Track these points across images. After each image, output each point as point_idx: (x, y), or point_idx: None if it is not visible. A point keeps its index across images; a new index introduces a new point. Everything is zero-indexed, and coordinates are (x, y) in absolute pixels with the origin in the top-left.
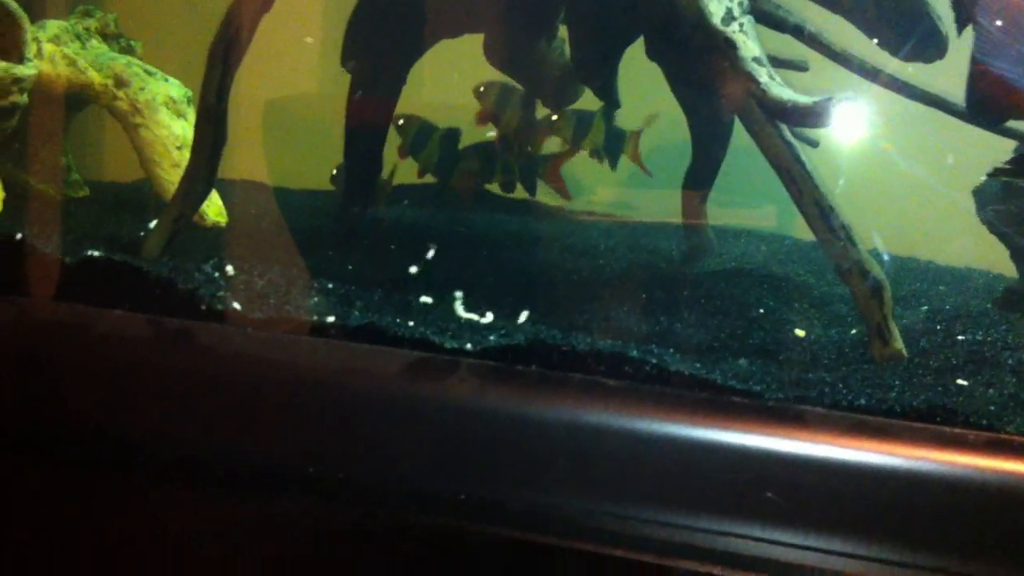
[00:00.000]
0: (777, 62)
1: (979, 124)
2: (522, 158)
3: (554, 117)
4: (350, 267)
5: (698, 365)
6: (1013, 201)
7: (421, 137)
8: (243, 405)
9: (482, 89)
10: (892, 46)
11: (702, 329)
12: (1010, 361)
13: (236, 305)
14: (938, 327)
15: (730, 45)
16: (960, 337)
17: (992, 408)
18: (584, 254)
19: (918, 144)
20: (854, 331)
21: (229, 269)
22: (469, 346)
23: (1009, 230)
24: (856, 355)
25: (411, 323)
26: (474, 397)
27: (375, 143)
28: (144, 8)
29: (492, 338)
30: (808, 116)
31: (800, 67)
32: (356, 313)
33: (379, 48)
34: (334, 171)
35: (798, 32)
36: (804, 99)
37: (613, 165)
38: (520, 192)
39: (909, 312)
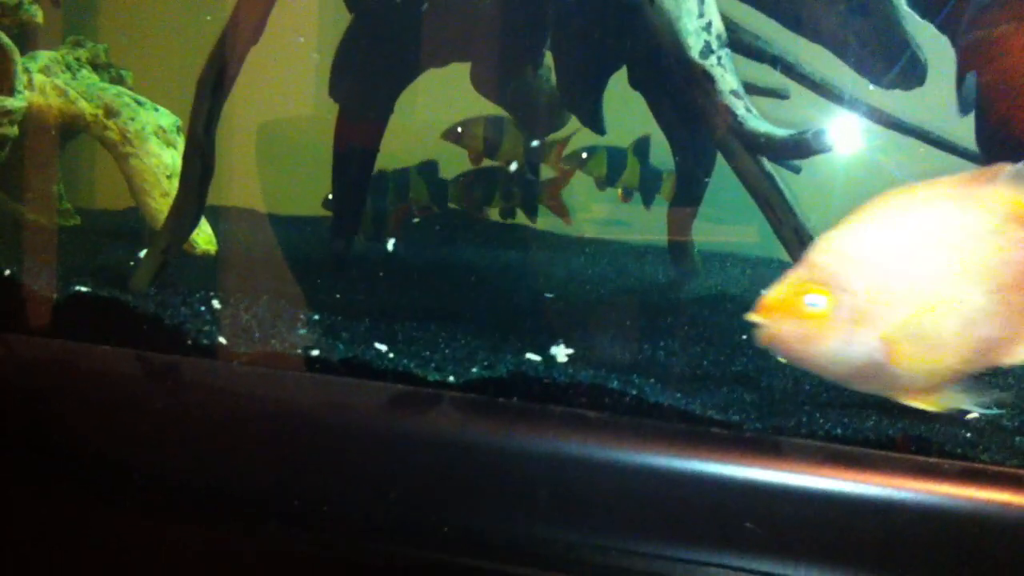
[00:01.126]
0: (758, 90)
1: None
2: (521, 184)
3: (584, 155)
4: (337, 297)
5: (678, 395)
6: None
7: (401, 181)
8: (224, 440)
9: (459, 130)
10: (873, 75)
11: (684, 357)
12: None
13: (221, 340)
14: None
15: (708, 78)
16: None
17: (968, 436)
18: (572, 280)
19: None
20: None
21: (214, 302)
22: (452, 379)
23: None
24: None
25: (393, 356)
26: (458, 430)
27: (362, 173)
28: (135, 38)
29: (475, 370)
30: (783, 149)
31: (781, 95)
32: (341, 346)
33: (366, 78)
34: (329, 196)
35: (777, 63)
36: (780, 132)
37: (648, 204)
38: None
39: None
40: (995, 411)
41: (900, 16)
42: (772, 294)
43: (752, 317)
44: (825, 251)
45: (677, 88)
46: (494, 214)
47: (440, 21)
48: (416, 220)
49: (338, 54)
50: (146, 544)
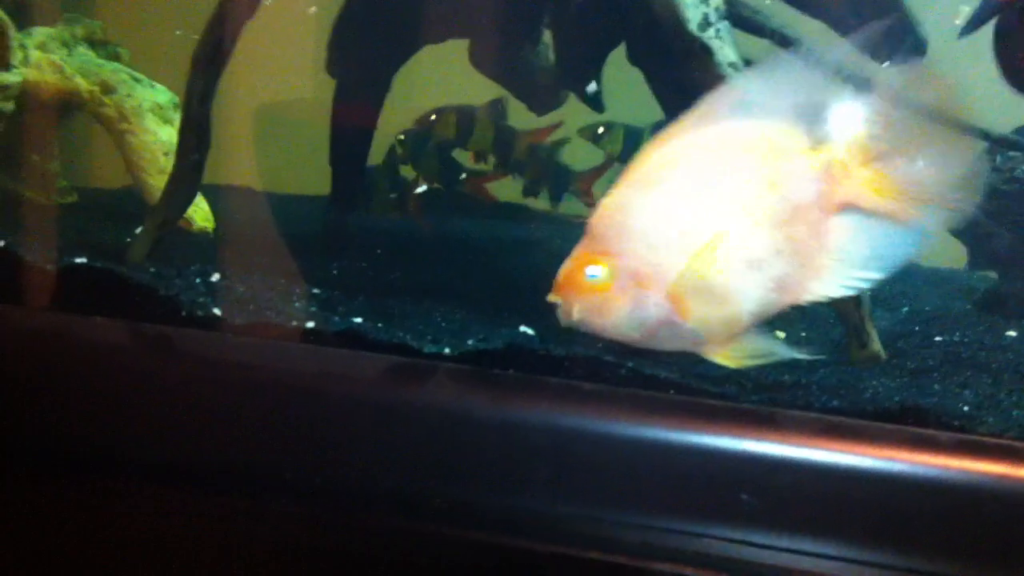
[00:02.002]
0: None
1: None
2: (553, 168)
3: (600, 130)
4: (335, 272)
5: (674, 368)
6: (991, 203)
7: (417, 147)
8: (219, 410)
9: (433, 117)
10: (873, 52)
11: None
12: (986, 362)
13: (216, 311)
14: (917, 328)
15: (706, 51)
16: (938, 338)
17: (966, 409)
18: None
19: None
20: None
21: (211, 275)
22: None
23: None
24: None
25: (390, 328)
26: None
27: (360, 149)
28: (132, 14)
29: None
30: None
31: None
32: (336, 319)
33: (363, 54)
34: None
35: (776, 37)
36: None
37: None
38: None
39: (890, 314)
40: (809, 356)
41: None
42: (561, 271)
43: (551, 298)
44: (600, 219)
45: (676, 62)
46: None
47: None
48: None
49: (335, 29)
50: (138, 515)
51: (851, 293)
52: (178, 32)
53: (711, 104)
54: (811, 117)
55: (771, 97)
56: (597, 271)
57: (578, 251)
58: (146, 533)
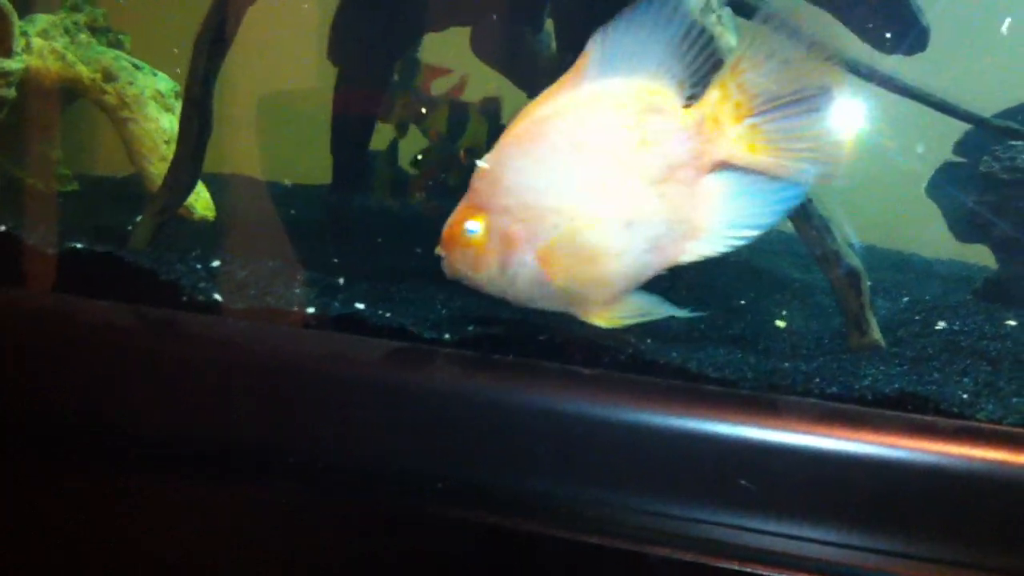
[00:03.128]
0: None
1: None
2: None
3: (423, 110)
4: (336, 260)
5: (675, 354)
6: (992, 192)
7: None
8: (218, 393)
9: (423, 110)
10: (875, 39)
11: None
12: (986, 349)
13: (216, 296)
14: (917, 317)
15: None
16: (937, 327)
17: (965, 396)
18: None
19: (902, 135)
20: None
21: (212, 260)
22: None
23: (989, 221)
24: (835, 345)
25: (389, 314)
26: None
27: (362, 136)
28: (134, 1)
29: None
30: None
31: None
32: (336, 304)
33: (365, 42)
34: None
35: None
36: None
37: None
38: None
39: (891, 303)
40: (691, 312)
41: None
42: (446, 225)
43: (438, 251)
44: (480, 176)
45: None
46: None
47: None
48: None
49: (337, 16)
50: (140, 496)
51: (729, 250)
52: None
53: (586, 61)
54: (683, 72)
55: (643, 52)
56: (473, 226)
57: (461, 206)
58: (146, 516)
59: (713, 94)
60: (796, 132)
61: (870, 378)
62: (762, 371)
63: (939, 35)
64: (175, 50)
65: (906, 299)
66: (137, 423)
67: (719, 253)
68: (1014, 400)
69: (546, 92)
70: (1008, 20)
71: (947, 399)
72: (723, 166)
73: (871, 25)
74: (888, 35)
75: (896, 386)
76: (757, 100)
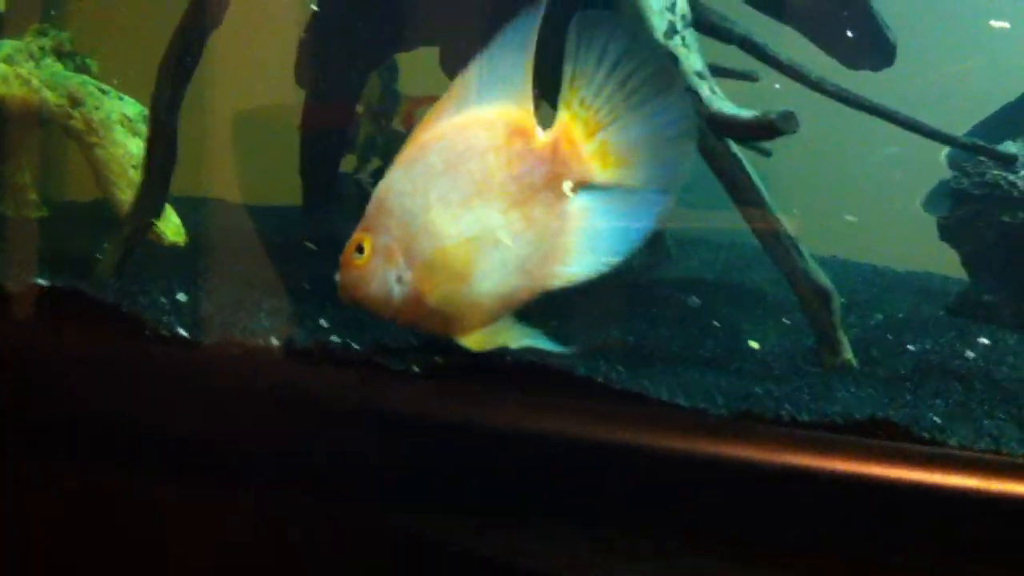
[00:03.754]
0: (727, 72)
1: None
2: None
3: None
4: (305, 285)
5: (646, 382)
6: (962, 207)
7: None
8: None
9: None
10: (842, 56)
11: (653, 340)
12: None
13: (180, 330)
14: (890, 335)
15: (671, 59)
16: (910, 346)
17: (937, 420)
18: None
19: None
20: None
21: (177, 291)
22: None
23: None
24: (808, 365)
25: (358, 343)
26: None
27: (331, 158)
28: (101, 24)
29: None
30: (748, 130)
31: (750, 77)
32: (304, 333)
33: (332, 63)
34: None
35: (743, 44)
36: (746, 113)
37: None
38: None
39: (864, 320)
40: (565, 349)
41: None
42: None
43: (336, 276)
44: (372, 198)
45: None
46: None
47: (408, 4)
48: None
49: (304, 39)
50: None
51: (598, 274)
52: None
53: (464, 84)
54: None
55: (512, 75)
56: (360, 248)
57: (357, 229)
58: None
59: (562, 114)
60: (642, 139)
61: (841, 402)
62: (733, 396)
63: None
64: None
65: (879, 316)
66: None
67: (589, 277)
68: (986, 422)
69: (431, 115)
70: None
71: (919, 423)
72: (585, 187)
73: (838, 41)
74: (855, 52)
75: (867, 411)
76: (600, 114)
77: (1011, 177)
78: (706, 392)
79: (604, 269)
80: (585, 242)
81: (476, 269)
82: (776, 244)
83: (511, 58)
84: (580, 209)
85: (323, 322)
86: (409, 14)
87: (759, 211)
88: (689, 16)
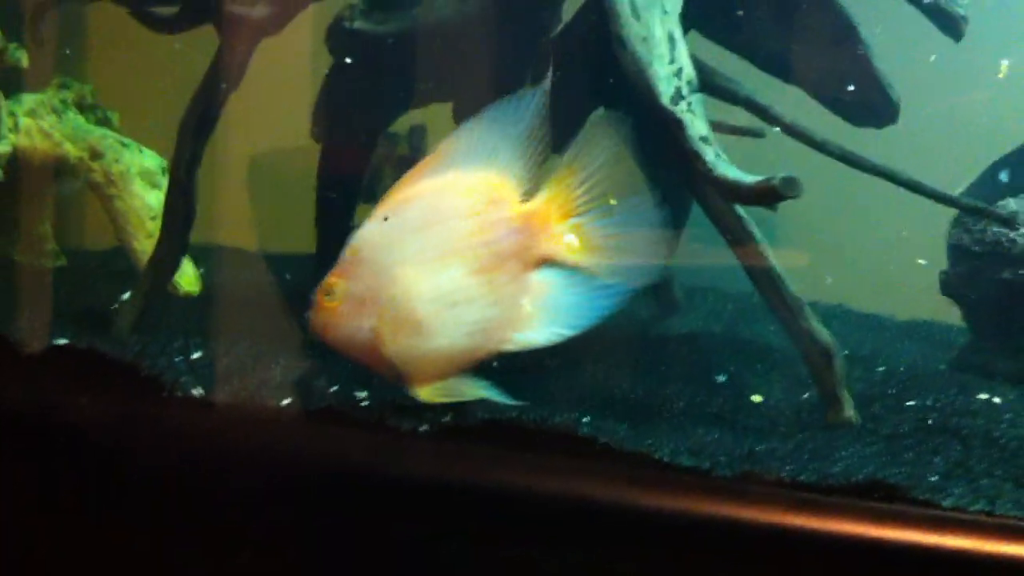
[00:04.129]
0: (733, 129)
1: None
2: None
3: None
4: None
5: (649, 442)
6: (962, 263)
7: None
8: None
9: None
10: (846, 113)
11: (659, 398)
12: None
13: (196, 390)
14: (892, 390)
15: (678, 125)
16: (912, 402)
17: (935, 479)
18: None
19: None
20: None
21: (192, 349)
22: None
23: (961, 291)
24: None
25: (370, 403)
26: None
27: (346, 206)
28: (123, 77)
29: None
30: (751, 196)
31: (756, 134)
32: (322, 390)
33: (347, 120)
34: None
35: (748, 105)
36: (748, 179)
37: None
38: None
39: (867, 374)
40: (513, 402)
41: (872, 54)
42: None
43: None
44: (348, 243)
45: (651, 131)
46: None
47: (422, 62)
48: None
49: (319, 96)
50: None
51: (552, 343)
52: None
53: (450, 147)
54: (523, 169)
55: (496, 146)
56: (331, 291)
57: (332, 271)
58: None
59: (544, 193)
60: (616, 236)
61: (843, 461)
62: (735, 455)
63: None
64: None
65: (882, 369)
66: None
67: (543, 345)
68: (983, 482)
69: (413, 172)
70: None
71: (917, 482)
72: (551, 262)
73: (841, 99)
74: (860, 110)
75: (868, 469)
76: (582, 202)
77: (1012, 234)
78: (709, 451)
79: (557, 340)
80: (542, 314)
81: (436, 326)
82: (781, 305)
83: (503, 128)
84: (542, 282)
85: (335, 377)
86: (423, 70)
87: (765, 273)
88: (696, 81)
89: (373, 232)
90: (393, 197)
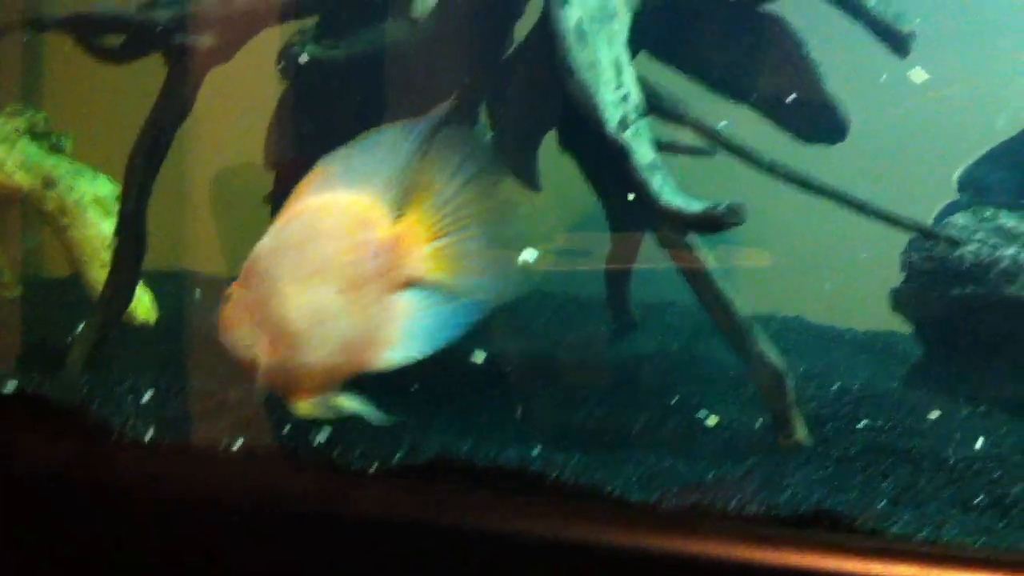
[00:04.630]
0: (686, 149)
1: None
2: None
3: None
4: None
5: (598, 473)
6: (912, 281)
7: None
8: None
9: None
10: (797, 131)
11: (613, 423)
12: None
13: (144, 434)
14: (844, 410)
15: (624, 153)
16: (864, 422)
17: (883, 504)
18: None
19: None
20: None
21: (143, 388)
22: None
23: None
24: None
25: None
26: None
27: None
28: (77, 100)
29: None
30: (696, 224)
31: (707, 152)
32: (275, 429)
33: (299, 146)
34: None
35: (696, 128)
36: (696, 205)
37: None
38: None
39: (820, 392)
40: (385, 418)
41: (820, 73)
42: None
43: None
44: (251, 252)
45: (599, 154)
46: None
47: (375, 86)
48: None
49: (273, 121)
50: None
51: (408, 363)
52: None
53: (331, 172)
54: (395, 194)
55: (372, 171)
56: (229, 297)
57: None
58: None
59: (409, 216)
60: (476, 255)
61: (792, 488)
62: (685, 483)
63: None
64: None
65: (835, 386)
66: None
67: (406, 363)
68: (931, 505)
69: (302, 187)
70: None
71: (865, 509)
72: (416, 283)
73: (791, 118)
74: (809, 126)
75: (817, 496)
76: (443, 223)
77: (959, 252)
78: (660, 480)
79: (420, 358)
80: (406, 333)
81: (307, 342)
82: (731, 330)
83: (386, 153)
84: (407, 303)
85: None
86: (376, 94)
87: (714, 297)
88: (643, 106)
89: (266, 243)
90: (284, 212)
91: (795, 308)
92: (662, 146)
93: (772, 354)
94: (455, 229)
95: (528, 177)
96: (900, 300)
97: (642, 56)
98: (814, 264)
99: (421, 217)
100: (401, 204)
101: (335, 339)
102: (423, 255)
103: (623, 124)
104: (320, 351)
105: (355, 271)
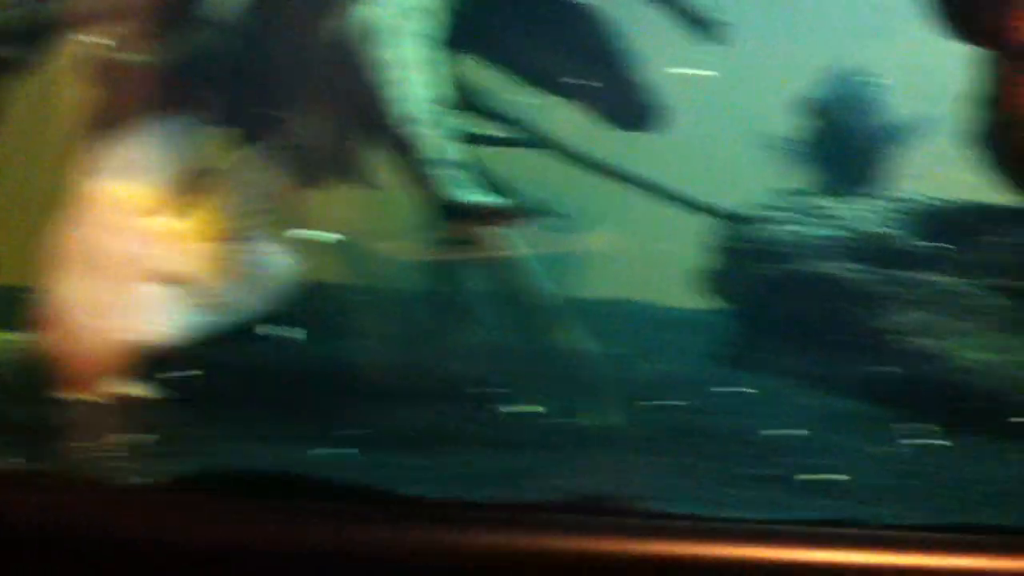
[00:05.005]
0: (503, 141)
1: None
2: None
3: None
4: None
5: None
6: (724, 259)
7: None
8: None
9: None
10: (612, 119)
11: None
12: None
13: None
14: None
15: (410, 145)
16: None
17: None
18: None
19: None
20: None
21: None
22: None
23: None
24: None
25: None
26: None
27: None
28: None
29: None
30: (484, 217)
31: (536, 144)
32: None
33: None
34: None
35: (507, 121)
36: (483, 201)
37: None
38: None
39: (633, 373)
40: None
41: (632, 64)
42: None
43: None
44: None
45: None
46: None
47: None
48: None
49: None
50: None
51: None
52: None
53: (117, 158)
54: (168, 185)
55: (150, 162)
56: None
57: None
58: None
59: (187, 213)
60: (230, 263)
61: (592, 475)
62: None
63: None
64: None
65: (648, 366)
66: None
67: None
68: (730, 491)
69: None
70: None
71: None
72: (180, 279)
73: (606, 108)
74: (622, 114)
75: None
76: (222, 227)
77: (769, 228)
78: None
79: (169, 343)
80: (155, 322)
81: (77, 329)
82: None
83: (154, 145)
84: (158, 292)
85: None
86: (184, 102)
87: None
88: (448, 102)
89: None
90: (72, 199)
91: (628, 291)
92: (475, 139)
93: (574, 336)
94: (225, 240)
95: (362, 176)
96: (712, 279)
97: (455, 52)
98: (645, 248)
99: (199, 217)
100: (174, 199)
101: (102, 328)
102: (182, 253)
103: (424, 120)
104: (89, 339)
105: (120, 258)
